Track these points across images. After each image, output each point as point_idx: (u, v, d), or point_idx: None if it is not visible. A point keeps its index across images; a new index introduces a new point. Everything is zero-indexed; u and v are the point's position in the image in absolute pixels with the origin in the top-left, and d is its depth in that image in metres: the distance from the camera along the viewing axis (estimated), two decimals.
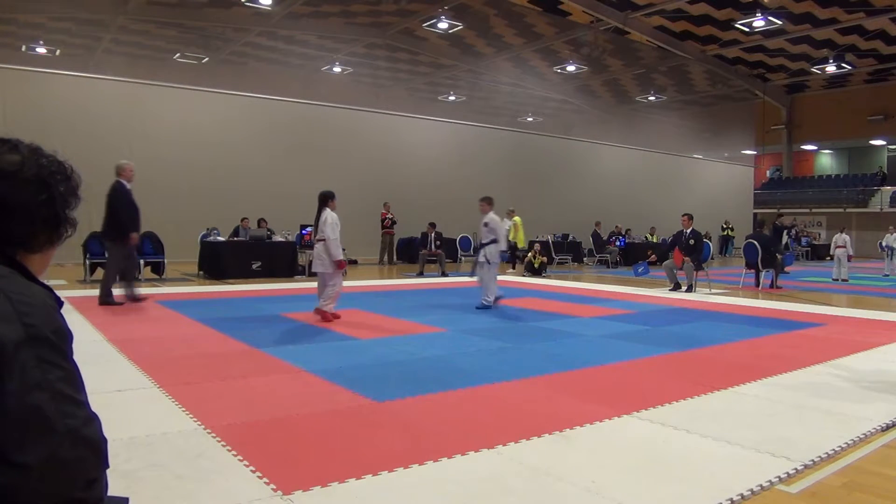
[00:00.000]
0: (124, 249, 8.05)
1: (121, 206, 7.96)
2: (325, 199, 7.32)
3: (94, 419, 0.99)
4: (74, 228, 1.11)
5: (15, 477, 0.89)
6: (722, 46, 24.91)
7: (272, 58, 26.64)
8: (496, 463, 2.91)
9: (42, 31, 22.61)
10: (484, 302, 8.50)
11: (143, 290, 8.74)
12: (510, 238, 14.60)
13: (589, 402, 3.97)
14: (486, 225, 8.66)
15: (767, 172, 35.67)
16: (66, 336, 0.99)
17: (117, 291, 8.17)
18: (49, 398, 0.92)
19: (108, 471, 1.01)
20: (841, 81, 29.39)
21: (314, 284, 11.14)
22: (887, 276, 15.99)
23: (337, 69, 27.23)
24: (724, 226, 25.91)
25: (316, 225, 7.39)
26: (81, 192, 1.11)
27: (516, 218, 13.88)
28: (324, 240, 7.16)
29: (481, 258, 8.62)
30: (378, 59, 26.62)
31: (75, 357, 1.02)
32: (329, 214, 7.23)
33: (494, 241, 8.56)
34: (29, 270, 1.04)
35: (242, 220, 14.12)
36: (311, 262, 13.45)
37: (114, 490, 1.08)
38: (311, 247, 13.18)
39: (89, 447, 0.96)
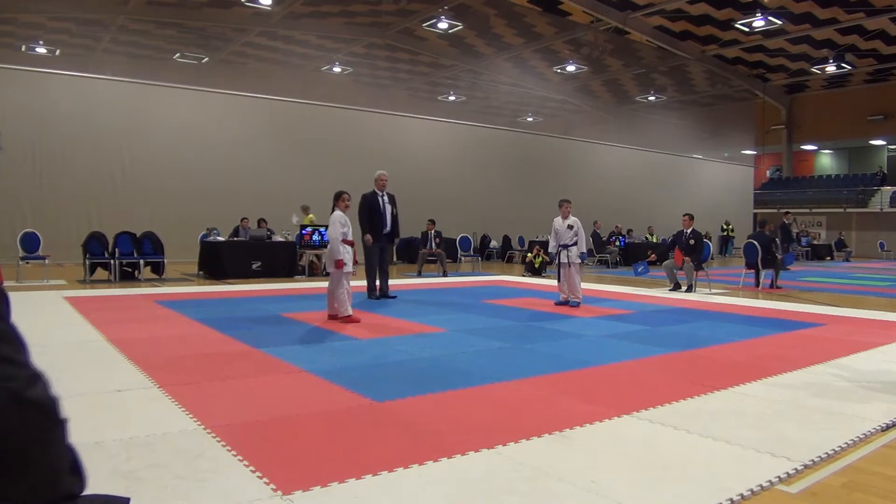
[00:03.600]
0: (374, 248, 9.12)
1: (360, 211, 9.06)
2: (335, 199, 7.37)
3: (38, 378, 0.93)
4: None
5: None
6: (722, 46, 24.93)
7: (272, 58, 26.66)
8: (496, 463, 2.91)
9: (42, 31, 22.63)
10: (574, 300, 8.84)
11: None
12: None
13: (589, 402, 3.97)
14: (570, 227, 8.90)
15: (767, 172, 35.67)
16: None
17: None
18: None
19: (67, 429, 0.93)
20: (841, 81, 29.40)
21: (314, 284, 11.15)
22: None
23: (337, 69, 27.24)
24: (725, 226, 25.93)
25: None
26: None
27: (312, 215, 13.97)
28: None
29: (564, 259, 8.91)
30: (378, 59, 26.65)
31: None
32: (336, 214, 7.24)
33: (575, 244, 8.94)
34: None
35: (242, 220, 14.13)
36: (311, 263, 13.56)
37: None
38: (311, 247, 13.28)
39: (36, 408, 0.90)
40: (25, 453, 0.85)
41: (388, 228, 9.25)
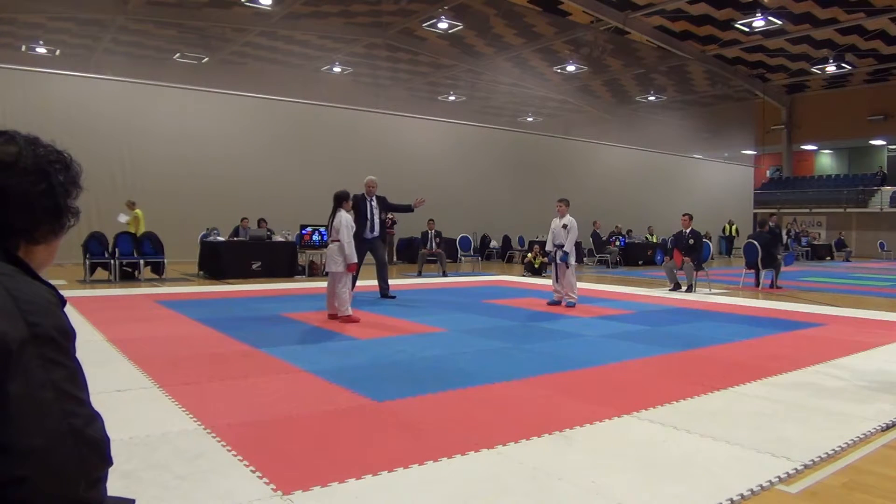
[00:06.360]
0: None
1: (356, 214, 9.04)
2: (340, 200, 7.37)
3: (97, 418, 0.99)
4: (77, 218, 1.10)
5: (15, 473, 0.88)
6: (722, 46, 24.92)
7: (272, 58, 26.65)
8: (496, 463, 2.91)
9: (42, 31, 22.62)
10: (569, 300, 8.81)
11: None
12: (132, 230, 13.34)
13: (589, 402, 3.97)
14: (564, 227, 8.90)
15: (767, 172, 35.66)
16: (69, 334, 0.98)
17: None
18: (53, 397, 0.91)
19: (108, 470, 1.01)
20: (841, 81, 29.38)
21: (313, 284, 11.16)
22: None
23: (337, 69, 27.24)
24: (727, 226, 26.00)
25: (330, 225, 7.43)
26: (83, 182, 1.11)
27: (138, 210, 13.72)
28: (338, 241, 7.20)
29: (560, 260, 8.91)
30: (378, 59, 26.63)
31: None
32: (343, 216, 7.28)
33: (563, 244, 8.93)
34: (32, 269, 1.03)
35: (242, 220, 14.13)
36: (311, 263, 13.56)
37: (114, 490, 1.08)
38: (311, 247, 13.28)
39: (92, 446, 0.96)
40: (75, 488, 0.91)
41: (377, 233, 9.36)
